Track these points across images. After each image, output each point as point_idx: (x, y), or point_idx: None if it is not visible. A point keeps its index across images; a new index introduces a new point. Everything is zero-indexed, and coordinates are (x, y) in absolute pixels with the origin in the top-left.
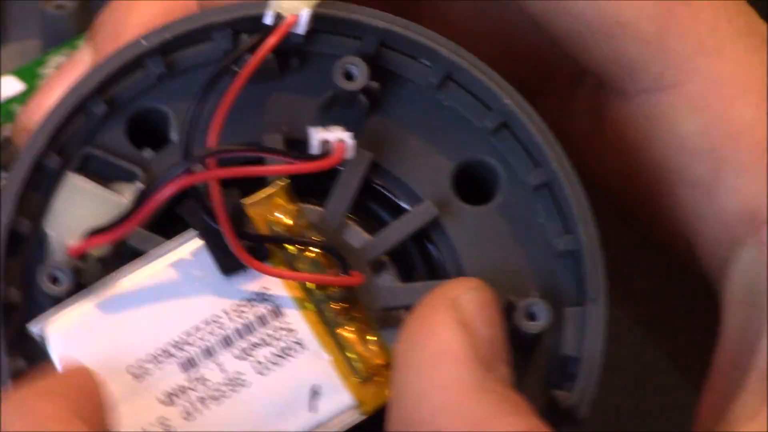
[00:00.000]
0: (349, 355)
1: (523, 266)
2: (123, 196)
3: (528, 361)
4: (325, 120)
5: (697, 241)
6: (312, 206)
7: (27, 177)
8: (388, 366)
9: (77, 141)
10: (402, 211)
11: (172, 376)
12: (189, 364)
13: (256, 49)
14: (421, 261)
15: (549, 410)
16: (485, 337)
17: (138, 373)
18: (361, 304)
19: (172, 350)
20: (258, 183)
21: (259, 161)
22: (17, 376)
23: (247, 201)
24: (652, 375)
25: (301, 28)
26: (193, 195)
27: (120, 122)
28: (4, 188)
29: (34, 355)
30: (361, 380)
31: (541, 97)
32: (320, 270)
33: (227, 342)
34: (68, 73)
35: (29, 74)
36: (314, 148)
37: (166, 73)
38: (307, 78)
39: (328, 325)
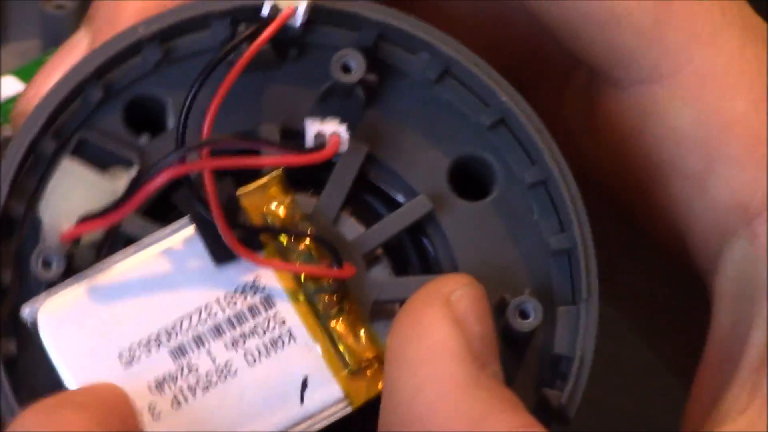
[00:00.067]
0: (339, 347)
1: (517, 263)
2: (118, 182)
3: (519, 359)
4: (322, 111)
5: (689, 234)
6: (307, 197)
7: (22, 160)
8: (378, 359)
9: (74, 125)
10: (397, 204)
11: (161, 363)
12: (179, 352)
13: (253, 39)
14: (416, 255)
15: (539, 409)
16: (478, 333)
17: (128, 360)
18: (354, 296)
19: (163, 338)
20: (253, 173)
21: (254, 152)
22: (8, 360)
23: (241, 191)
24: (651, 375)
25: (298, 21)
26: (187, 184)
27: (117, 108)
28: None
29: (25, 339)
30: (350, 373)
31: (534, 89)
32: (313, 262)
33: (218, 331)
34: (65, 57)
35: (29, 74)
36: (309, 140)
37: (164, 60)
38: (305, 69)
39: (319, 317)
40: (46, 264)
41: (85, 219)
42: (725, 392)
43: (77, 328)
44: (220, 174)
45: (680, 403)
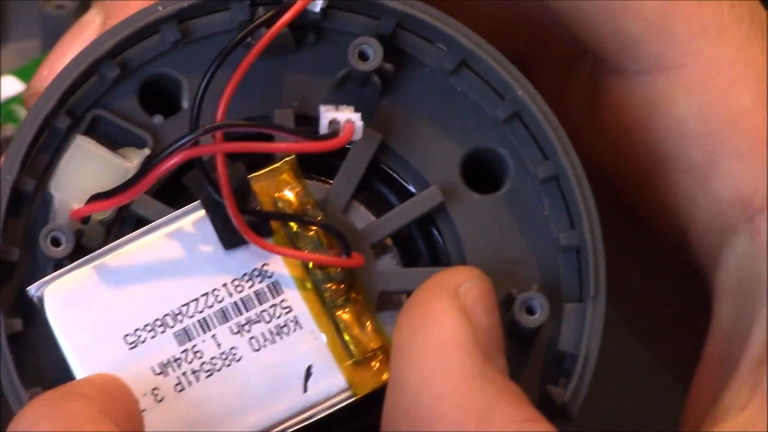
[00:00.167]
0: (345, 337)
1: (526, 258)
2: (130, 162)
3: (525, 354)
4: (338, 98)
5: (690, 229)
6: (318, 183)
7: (35, 136)
8: (383, 350)
9: (88, 103)
10: (409, 193)
11: (166, 347)
12: (185, 336)
13: (272, 23)
14: (425, 246)
15: (542, 405)
16: (485, 326)
17: (133, 342)
18: (361, 286)
19: (169, 321)
20: (266, 158)
21: (268, 136)
22: (14, 336)
23: (253, 175)
24: (651, 375)
25: (318, 6)
26: (200, 166)
27: (132, 86)
28: (11, 146)
29: (32, 316)
30: (355, 363)
31: (538, 76)
32: (322, 250)
33: (224, 316)
34: (78, 36)
35: (29, 74)
36: (323, 127)
37: (181, 40)
38: (323, 54)
39: (325, 306)
40: (55, 242)
41: (96, 198)
42: (725, 389)
43: (83, 309)
44: (232, 158)
45: (680, 403)
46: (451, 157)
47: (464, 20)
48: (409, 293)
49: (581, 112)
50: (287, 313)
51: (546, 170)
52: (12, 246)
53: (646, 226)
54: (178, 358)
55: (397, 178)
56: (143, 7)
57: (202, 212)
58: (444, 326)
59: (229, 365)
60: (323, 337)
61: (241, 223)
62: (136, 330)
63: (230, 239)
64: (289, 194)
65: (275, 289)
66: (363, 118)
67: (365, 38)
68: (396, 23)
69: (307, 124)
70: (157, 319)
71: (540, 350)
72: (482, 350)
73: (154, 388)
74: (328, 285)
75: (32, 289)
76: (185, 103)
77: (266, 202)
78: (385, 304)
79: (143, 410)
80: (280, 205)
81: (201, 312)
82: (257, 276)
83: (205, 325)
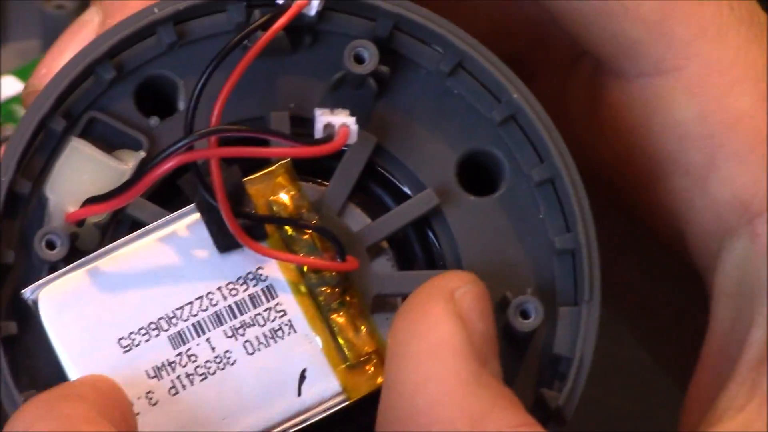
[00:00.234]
0: (339, 340)
1: (521, 261)
2: (125, 164)
3: (519, 357)
4: (333, 100)
5: (689, 231)
6: (314, 185)
7: (30, 138)
8: (377, 353)
9: (84, 105)
10: (405, 196)
11: (161, 350)
12: (179, 340)
13: (268, 27)
14: (420, 249)
15: (536, 408)
16: (480, 331)
17: (127, 346)
18: (356, 289)
19: (163, 324)
20: (261, 160)
21: (263, 140)
22: (8, 339)
23: (248, 178)
24: (651, 375)
25: (314, 9)
26: (194, 170)
27: (128, 88)
28: (7, 148)
29: (27, 319)
30: (349, 367)
31: (537, 78)
32: (317, 253)
33: (218, 319)
34: (76, 35)
35: (29, 74)
36: (318, 131)
37: (178, 42)
38: (319, 56)
39: (320, 310)
40: (50, 245)
41: (91, 201)
42: (723, 390)
43: (78, 313)
44: (227, 161)
45: (679, 403)
46: (446, 160)
47: (462, 22)
48: (404, 296)
49: (580, 114)
50: (282, 316)
51: (541, 173)
52: (7, 248)
53: (646, 227)
54: (173, 362)
55: (393, 180)
56: (142, 7)
57: (196, 215)
58: (439, 330)
59: (223, 369)
60: (318, 341)
61: (236, 226)
62: (131, 333)
63: (225, 243)
64: (284, 197)
65: (270, 292)
66: (358, 120)
67: (361, 41)
68: (392, 25)
69: (302, 125)
70: (151, 323)
71: (534, 353)
72: (477, 355)
73: (149, 392)
74: (323, 288)
75: (27, 292)
76: (181, 105)
77: (261, 205)
78: (380, 306)
79: (137, 414)
80: (275, 208)
81: (195, 315)
82: (252, 279)
83: (199, 329)
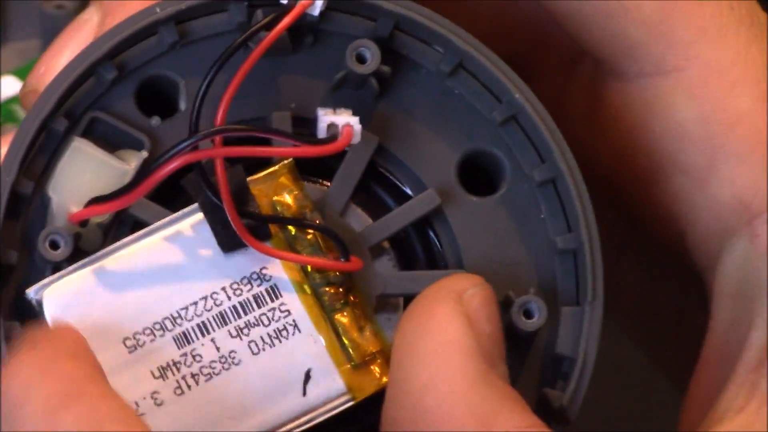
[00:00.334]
0: (344, 340)
1: (523, 261)
2: (128, 164)
3: (522, 357)
4: (334, 100)
5: (689, 231)
6: (315, 185)
7: (33, 138)
8: (382, 353)
9: (85, 105)
10: (406, 196)
11: (166, 350)
12: (184, 340)
13: (271, 27)
14: (421, 249)
15: (539, 408)
16: (488, 333)
17: (132, 345)
18: (359, 289)
19: (168, 324)
20: (263, 161)
21: (266, 139)
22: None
23: (251, 178)
24: (650, 375)
25: (317, 9)
26: (198, 169)
27: (129, 88)
28: (9, 148)
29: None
30: (353, 366)
31: (537, 79)
32: (320, 253)
33: (223, 320)
34: (75, 34)
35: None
36: (321, 131)
37: (179, 42)
38: (320, 56)
39: (324, 309)
40: (54, 245)
41: (95, 201)
42: (723, 391)
43: (82, 313)
44: (230, 161)
45: (679, 403)
46: (447, 160)
47: (462, 22)
48: (407, 296)
49: (580, 114)
50: (286, 316)
51: (542, 173)
52: (10, 249)
53: (645, 227)
54: (178, 362)
55: (394, 180)
56: (141, 6)
57: (200, 215)
58: (448, 331)
59: (228, 369)
60: (322, 341)
61: (240, 226)
62: (135, 333)
63: (229, 243)
64: (288, 197)
65: (274, 292)
66: (360, 120)
67: (363, 41)
68: (393, 25)
69: (303, 126)
70: (156, 323)
71: (537, 353)
72: (485, 356)
73: (154, 392)
74: (327, 288)
75: (31, 292)
76: (182, 105)
77: (264, 205)
78: (382, 306)
79: (143, 414)
80: (278, 208)
81: (200, 315)
82: (256, 279)
83: (204, 329)
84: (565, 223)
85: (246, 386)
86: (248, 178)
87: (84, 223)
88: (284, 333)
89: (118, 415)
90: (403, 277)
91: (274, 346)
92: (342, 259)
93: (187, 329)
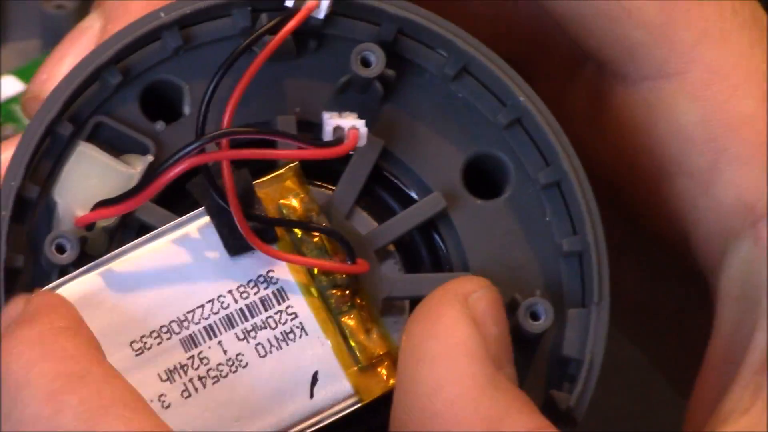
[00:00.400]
0: (350, 343)
1: (528, 264)
2: (133, 168)
3: (529, 359)
4: (339, 104)
5: (693, 234)
6: (322, 189)
7: (38, 143)
8: (389, 356)
9: (90, 109)
10: (410, 199)
11: (173, 353)
12: (191, 343)
13: (276, 31)
14: (427, 252)
15: (546, 409)
16: (495, 335)
17: (139, 348)
18: (365, 292)
19: (175, 327)
20: (269, 164)
21: (271, 143)
22: None
23: (257, 181)
24: (651, 376)
25: (322, 13)
26: (205, 172)
27: (134, 93)
28: (15, 152)
29: None
30: (360, 369)
31: (539, 82)
32: (326, 256)
33: (230, 322)
34: (77, 41)
35: (29, 74)
36: (327, 134)
37: (183, 47)
38: (324, 60)
39: (331, 312)
40: (60, 248)
41: (102, 205)
42: (728, 392)
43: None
44: (236, 164)
45: (680, 404)
46: (452, 163)
47: (465, 25)
48: (413, 299)
49: (583, 117)
50: (293, 319)
51: (547, 176)
52: (16, 253)
53: (647, 229)
54: (185, 365)
55: (399, 184)
56: (143, 12)
57: (206, 219)
58: (455, 333)
59: (235, 371)
60: (329, 343)
61: (247, 229)
62: (142, 336)
63: (235, 246)
64: (294, 201)
65: (280, 295)
66: (365, 124)
67: (368, 44)
68: (397, 29)
69: (308, 130)
70: (163, 326)
71: (543, 355)
72: (492, 359)
73: (161, 395)
74: (333, 291)
75: None
76: (186, 110)
77: (270, 208)
78: (388, 309)
79: None
80: (284, 211)
81: (207, 318)
82: (262, 282)
83: (211, 332)
84: (570, 226)
85: (253, 389)
86: (254, 182)
87: (90, 227)
88: (291, 335)
89: (123, 398)
90: (409, 280)
91: (281, 348)
92: (348, 262)
93: (194, 332)
